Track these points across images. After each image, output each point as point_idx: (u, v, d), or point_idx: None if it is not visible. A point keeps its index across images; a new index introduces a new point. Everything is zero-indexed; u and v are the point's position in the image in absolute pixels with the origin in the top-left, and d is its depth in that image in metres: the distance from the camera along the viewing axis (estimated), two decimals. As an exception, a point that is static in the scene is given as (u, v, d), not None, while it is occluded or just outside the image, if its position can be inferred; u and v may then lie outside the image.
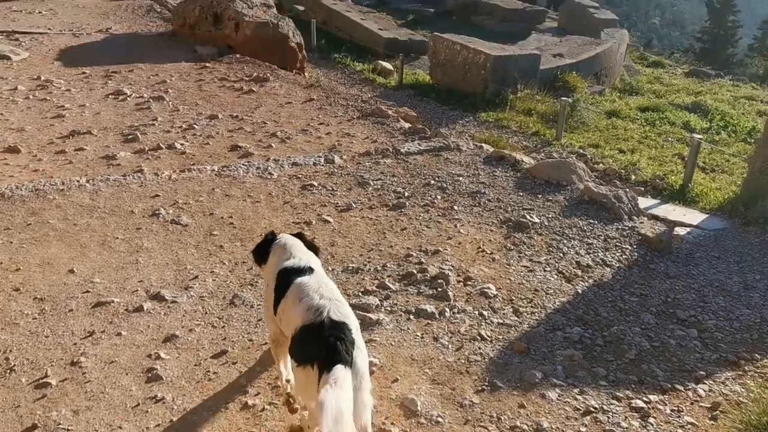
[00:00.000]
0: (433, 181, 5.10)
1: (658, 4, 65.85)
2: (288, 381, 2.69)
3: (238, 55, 9.50)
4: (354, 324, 2.30)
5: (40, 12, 13.00)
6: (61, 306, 3.39)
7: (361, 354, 2.21)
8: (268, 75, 8.49)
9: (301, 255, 2.64)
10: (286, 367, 2.69)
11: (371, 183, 5.02)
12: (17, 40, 9.88)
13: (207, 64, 9.09)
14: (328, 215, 4.52)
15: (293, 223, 4.39)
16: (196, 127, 6.54)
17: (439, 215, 4.59)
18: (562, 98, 9.61)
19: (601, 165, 7.57)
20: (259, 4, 10.88)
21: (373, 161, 5.48)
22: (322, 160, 5.41)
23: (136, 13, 13.73)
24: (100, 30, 11.69)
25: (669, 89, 14.07)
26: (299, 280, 2.47)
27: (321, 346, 2.15)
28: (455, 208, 4.69)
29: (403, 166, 5.42)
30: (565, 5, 17.72)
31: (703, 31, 34.38)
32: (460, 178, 5.18)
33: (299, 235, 2.81)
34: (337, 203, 4.71)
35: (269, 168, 5.18)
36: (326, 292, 2.40)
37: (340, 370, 2.04)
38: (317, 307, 2.30)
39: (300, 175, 5.13)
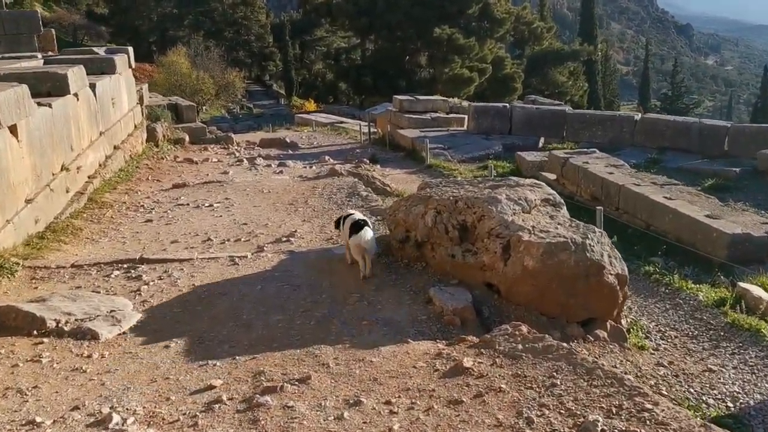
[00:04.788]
0: None
1: None
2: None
3: (523, 328, 4.41)
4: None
5: (211, 206, 9.50)
6: None
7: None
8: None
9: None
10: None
11: None
12: (139, 278, 5.88)
13: (466, 363, 4.04)
14: None
15: None
16: None
17: None
18: None
19: None
20: (539, 201, 6.01)
21: None
22: None
23: (334, 200, 9.75)
24: (276, 239, 7.60)
25: None
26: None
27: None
28: None
29: None
30: None
31: None
32: None
33: None
34: None
35: None
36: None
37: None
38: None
39: None
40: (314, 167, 14.27)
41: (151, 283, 5.74)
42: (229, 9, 52.99)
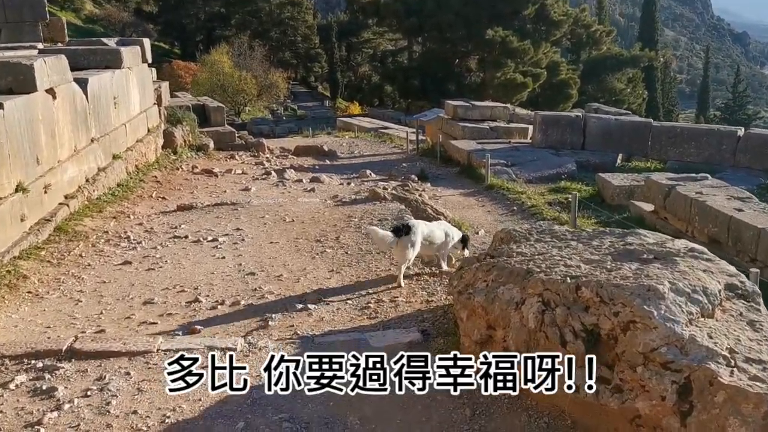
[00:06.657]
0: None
1: None
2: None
3: None
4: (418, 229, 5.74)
5: (215, 240, 7.27)
6: None
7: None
8: None
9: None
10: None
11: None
12: (52, 394, 3.61)
13: None
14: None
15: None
16: None
17: None
18: None
19: None
20: (722, 291, 3.51)
21: None
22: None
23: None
24: (290, 304, 5.32)
25: None
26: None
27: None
28: None
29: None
30: None
31: None
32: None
33: None
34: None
35: None
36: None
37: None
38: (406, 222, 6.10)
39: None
40: (352, 184, 12.00)
41: (66, 407, 3.46)
42: (276, 9, 51.35)
